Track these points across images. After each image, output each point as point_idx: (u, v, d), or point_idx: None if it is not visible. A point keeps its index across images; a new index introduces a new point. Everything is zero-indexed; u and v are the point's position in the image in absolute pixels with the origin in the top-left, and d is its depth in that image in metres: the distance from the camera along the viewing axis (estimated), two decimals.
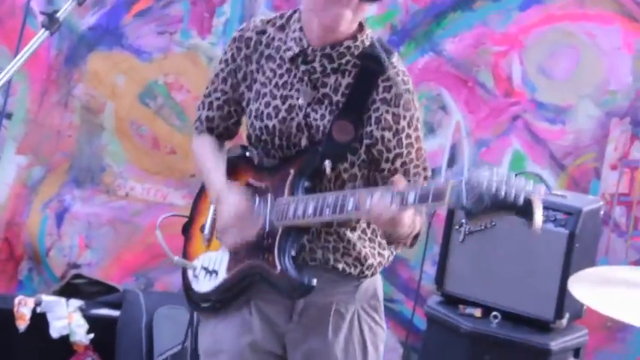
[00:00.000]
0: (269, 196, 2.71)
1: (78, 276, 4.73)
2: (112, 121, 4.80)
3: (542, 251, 3.68)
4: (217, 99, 2.84)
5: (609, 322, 4.26)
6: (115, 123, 4.80)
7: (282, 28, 2.75)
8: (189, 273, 2.89)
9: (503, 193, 2.29)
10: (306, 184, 2.68)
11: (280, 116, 2.71)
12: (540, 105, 4.45)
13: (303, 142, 2.70)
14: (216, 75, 2.83)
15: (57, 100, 4.80)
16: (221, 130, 2.88)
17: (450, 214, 3.85)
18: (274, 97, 2.72)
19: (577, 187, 4.38)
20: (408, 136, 2.67)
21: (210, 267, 2.82)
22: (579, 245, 3.65)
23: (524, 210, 2.31)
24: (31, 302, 4.37)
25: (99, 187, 4.83)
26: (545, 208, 3.64)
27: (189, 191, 4.73)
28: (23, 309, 4.34)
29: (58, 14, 2.41)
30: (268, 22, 2.77)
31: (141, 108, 4.78)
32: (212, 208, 2.85)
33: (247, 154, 2.85)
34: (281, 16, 2.77)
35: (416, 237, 2.68)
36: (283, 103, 2.71)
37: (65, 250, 4.88)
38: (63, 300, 4.41)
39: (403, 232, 2.56)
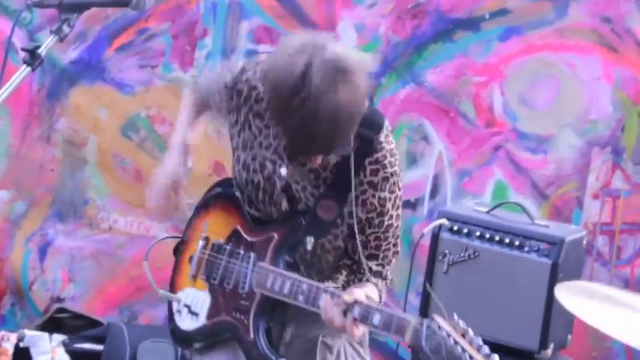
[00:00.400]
0: (252, 255, 2.75)
1: (61, 310, 4.71)
2: (94, 154, 4.80)
3: (526, 281, 3.68)
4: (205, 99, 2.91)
5: (594, 352, 4.26)
6: (98, 156, 4.80)
7: None
8: (174, 305, 2.90)
9: (459, 349, 2.35)
10: (287, 258, 2.72)
11: (266, 174, 2.74)
12: (522, 135, 4.46)
13: (284, 204, 2.74)
14: (213, 88, 2.86)
15: (39, 135, 4.80)
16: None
17: (434, 244, 3.85)
18: (259, 154, 2.74)
19: (559, 216, 4.39)
20: (391, 217, 2.73)
21: (193, 307, 2.84)
22: (563, 275, 3.65)
23: None
24: (13, 337, 4.34)
25: (82, 220, 4.82)
26: (528, 238, 3.69)
27: (173, 224, 4.72)
28: (6, 344, 4.32)
29: (39, 50, 2.41)
30: (260, 77, 2.72)
31: (123, 141, 4.78)
32: (201, 243, 2.87)
33: (237, 193, 2.87)
34: None
35: None
36: (268, 163, 2.73)
37: (48, 284, 4.86)
38: (46, 335, 4.39)
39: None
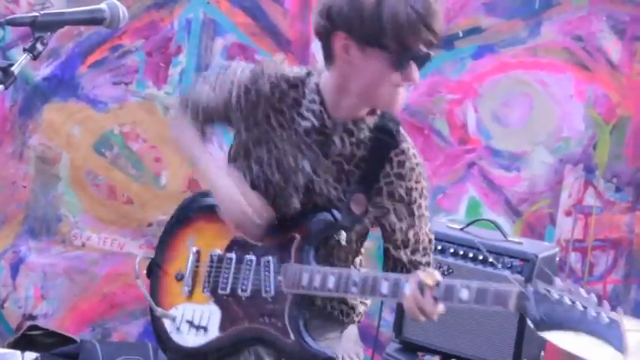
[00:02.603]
0: (271, 258, 2.71)
1: (34, 327, 4.68)
2: (67, 171, 4.78)
3: None
4: (208, 107, 2.79)
5: None
6: (71, 173, 4.78)
7: (295, 86, 2.70)
8: (168, 323, 2.85)
9: (581, 307, 2.25)
10: (315, 253, 2.68)
11: (282, 169, 2.71)
12: (495, 152, 4.49)
13: (294, 203, 2.71)
14: (222, 84, 2.76)
15: (12, 151, 4.77)
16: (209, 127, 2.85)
17: None
18: (278, 149, 2.71)
19: (532, 233, 4.42)
20: (420, 206, 2.71)
21: (197, 321, 2.80)
22: None
23: (607, 330, 2.21)
24: None
25: (54, 237, 4.80)
26: (502, 254, 3.71)
27: (146, 241, 4.72)
28: None
29: (12, 68, 2.40)
30: (282, 76, 2.71)
31: (97, 158, 4.77)
32: (191, 257, 2.82)
33: None
34: (295, 77, 2.71)
35: None
36: (287, 159, 2.70)
37: (20, 302, 4.83)
38: (18, 352, 4.36)
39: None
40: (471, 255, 3.76)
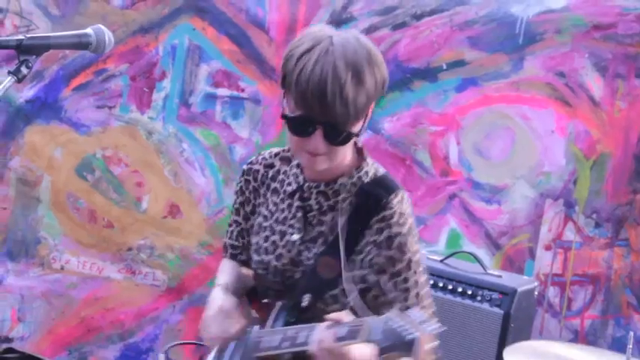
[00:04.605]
0: (254, 327, 2.63)
1: (9, 350, 4.65)
2: (48, 193, 4.77)
3: (478, 331, 3.70)
4: (235, 230, 2.80)
5: None
6: (52, 196, 4.77)
7: (287, 160, 2.69)
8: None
9: (398, 329, 2.18)
10: (288, 318, 2.58)
11: (277, 252, 2.64)
12: (476, 185, 4.50)
13: (297, 276, 2.62)
14: (233, 205, 2.80)
15: None
16: (244, 257, 2.81)
17: None
18: (273, 232, 2.66)
19: (512, 266, 4.42)
20: (406, 280, 2.51)
21: None
22: (514, 325, 3.68)
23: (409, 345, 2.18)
24: None
25: (33, 259, 4.78)
26: (481, 287, 3.71)
27: (126, 265, 4.70)
28: None
29: None
30: (276, 155, 2.71)
31: (78, 181, 4.76)
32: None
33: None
34: (288, 149, 2.69)
35: None
36: (281, 239, 2.64)
37: None
38: None
39: None
40: (450, 287, 3.77)
